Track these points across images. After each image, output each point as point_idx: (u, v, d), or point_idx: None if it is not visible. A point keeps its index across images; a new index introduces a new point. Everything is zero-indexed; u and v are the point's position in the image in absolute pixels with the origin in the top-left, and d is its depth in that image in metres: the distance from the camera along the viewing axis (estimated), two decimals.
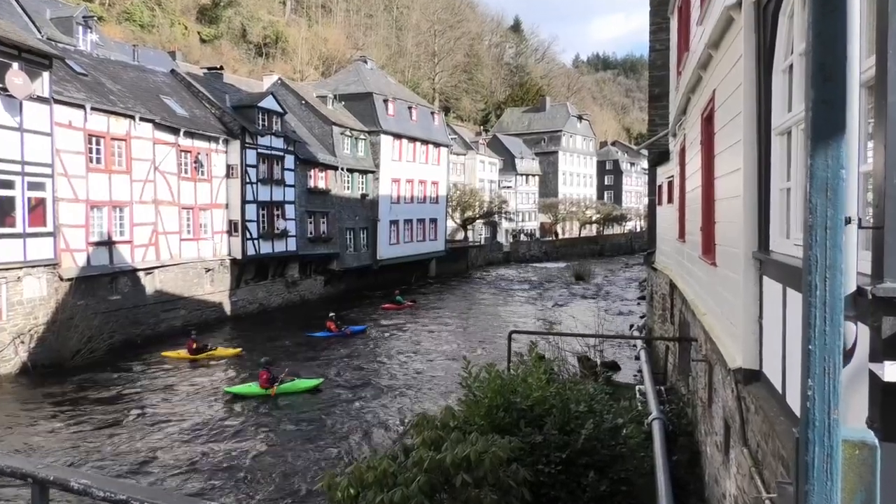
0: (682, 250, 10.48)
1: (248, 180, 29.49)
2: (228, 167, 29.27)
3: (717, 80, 6.15)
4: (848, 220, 1.44)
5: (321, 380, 18.35)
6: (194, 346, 21.67)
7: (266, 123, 30.79)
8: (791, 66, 3.82)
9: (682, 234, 10.60)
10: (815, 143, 1.40)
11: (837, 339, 1.36)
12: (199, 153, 27.55)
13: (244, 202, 29.35)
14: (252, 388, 17.46)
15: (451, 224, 55.04)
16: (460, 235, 58.72)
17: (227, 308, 29.07)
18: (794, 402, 3.60)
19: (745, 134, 4.70)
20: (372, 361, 21.95)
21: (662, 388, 11.72)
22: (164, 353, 21.82)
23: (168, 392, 17.96)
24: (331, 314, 26.26)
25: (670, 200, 13.83)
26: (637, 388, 12.28)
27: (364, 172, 39.44)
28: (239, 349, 22.47)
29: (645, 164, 72.65)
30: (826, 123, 1.39)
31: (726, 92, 5.61)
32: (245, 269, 30.05)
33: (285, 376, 17.61)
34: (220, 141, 28.71)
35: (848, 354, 1.52)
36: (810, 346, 1.37)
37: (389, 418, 15.81)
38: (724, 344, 5.71)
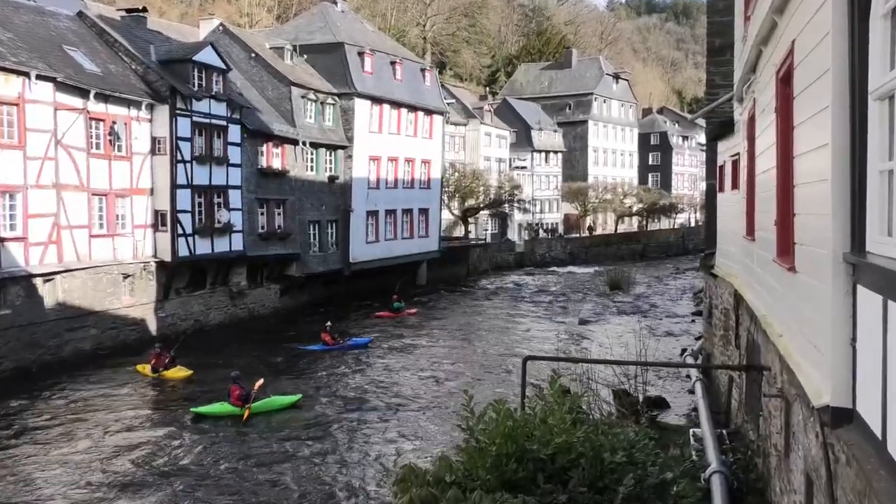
0: (751, 251, 10.52)
1: (179, 158, 29.43)
2: (154, 140, 29.20)
3: (797, 27, 6.16)
4: None
5: (300, 396, 20.71)
6: (154, 361, 23.58)
7: (204, 83, 30.73)
8: (895, 10, 3.83)
9: (750, 231, 10.63)
10: None
11: None
12: (115, 122, 27.48)
13: (174, 187, 29.28)
14: (222, 406, 19.40)
15: (447, 216, 55.08)
16: (459, 231, 58.78)
17: (153, 326, 29.02)
18: None
19: (833, 98, 4.69)
20: (352, 386, 22.86)
21: (724, 431, 11.76)
22: (137, 367, 24.07)
23: (70, 438, 17.91)
24: (327, 324, 28.61)
25: (735, 186, 13.87)
26: (691, 431, 12.32)
27: (333, 148, 39.43)
28: (191, 371, 23.63)
29: (702, 137, 72.90)
30: None
31: (809, 43, 5.62)
32: (176, 275, 29.99)
33: (258, 389, 19.45)
34: (143, 106, 28.65)
35: None
36: None
37: (369, 463, 16.08)
38: (805, 374, 5.72)
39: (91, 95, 26.26)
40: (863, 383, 4.40)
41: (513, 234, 67.86)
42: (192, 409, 19.58)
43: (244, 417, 18.81)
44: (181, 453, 16.82)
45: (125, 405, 20.76)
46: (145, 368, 23.72)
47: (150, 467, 15.90)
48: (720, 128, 16.55)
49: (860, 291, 4.45)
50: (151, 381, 23.16)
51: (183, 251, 29.72)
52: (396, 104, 44.01)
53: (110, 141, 27.36)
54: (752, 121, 10.52)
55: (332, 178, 39.32)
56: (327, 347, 27.36)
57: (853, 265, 4.56)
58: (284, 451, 16.87)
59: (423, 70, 48.86)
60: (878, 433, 3.93)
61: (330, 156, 39.44)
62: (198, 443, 17.46)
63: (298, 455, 16.64)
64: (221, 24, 39.43)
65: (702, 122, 28.22)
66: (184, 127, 29.68)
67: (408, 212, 45.72)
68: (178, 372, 23.51)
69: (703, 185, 33.15)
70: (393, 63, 44.89)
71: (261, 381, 19.63)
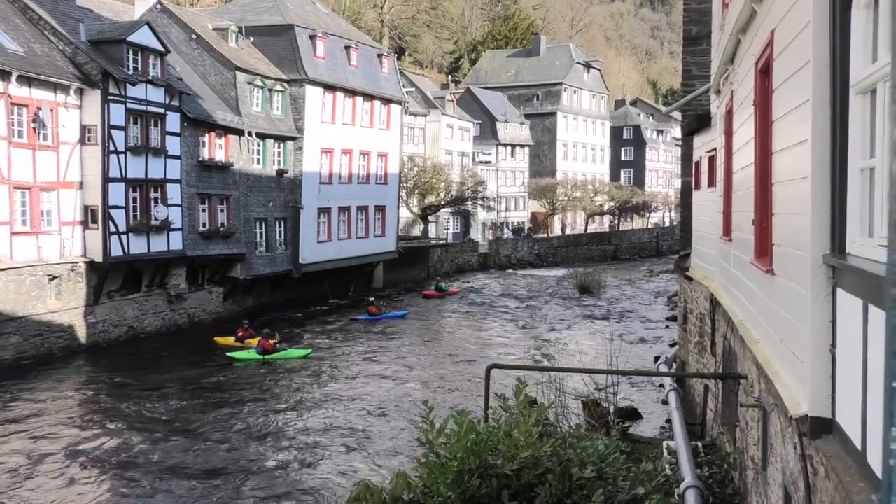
0: (728, 253, 10.68)
1: (112, 148, 29.06)
2: (84, 129, 28.78)
3: (777, 16, 6.29)
4: None
5: (309, 350, 28.54)
6: (240, 334, 29.50)
7: (139, 66, 30.34)
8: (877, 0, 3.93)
9: (727, 231, 10.80)
10: None
11: None
12: (39, 108, 27.02)
13: (106, 180, 28.90)
14: (250, 353, 27.52)
15: (405, 214, 55.03)
16: (419, 230, 58.76)
17: (81, 333, 28.59)
18: (878, 461, 3.69)
19: (814, 92, 4.78)
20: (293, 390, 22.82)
21: (699, 444, 11.91)
22: (215, 339, 30.14)
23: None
24: (370, 299, 38.43)
25: (711, 183, 14.07)
26: (665, 444, 12.46)
27: (282, 139, 39.17)
28: (273, 338, 28.30)
29: (677, 131, 73.94)
30: None
31: (789, 33, 5.74)
32: (108, 278, 29.59)
33: (277, 343, 27.82)
34: (72, 91, 28.20)
35: None
36: None
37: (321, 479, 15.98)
38: (783, 383, 5.83)
39: (13, 78, 25.75)
40: (842, 392, 4.50)
41: (476, 234, 68.06)
42: (228, 354, 27.47)
43: (267, 351, 27.23)
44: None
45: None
46: (227, 340, 29.51)
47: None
48: (696, 121, 16.75)
49: (840, 295, 4.54)
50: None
51: (116, 251, 29.32)
52: (351, 92, 43.86)
53: (34, 129, 26.88)
54: (729, 114, 10.69)
55: (280, 172, 39.05)
56: (373, 317, 35.96)
57: (833, 268, 4.65)
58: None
59: (380, 55, 48.76)
60: (858, 444, 4.02)
61: (278, 148, 39.16)
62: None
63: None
64: (159, 2, 38.91)
65: (677, 115, 28.59)
66: (117, 114, 29.27)
67: (363, 209, 45.60)
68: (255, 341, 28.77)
69: (678, 183, 33.61)
70: (347, 48, 44.73)
71: (286, 345, 28.15)
